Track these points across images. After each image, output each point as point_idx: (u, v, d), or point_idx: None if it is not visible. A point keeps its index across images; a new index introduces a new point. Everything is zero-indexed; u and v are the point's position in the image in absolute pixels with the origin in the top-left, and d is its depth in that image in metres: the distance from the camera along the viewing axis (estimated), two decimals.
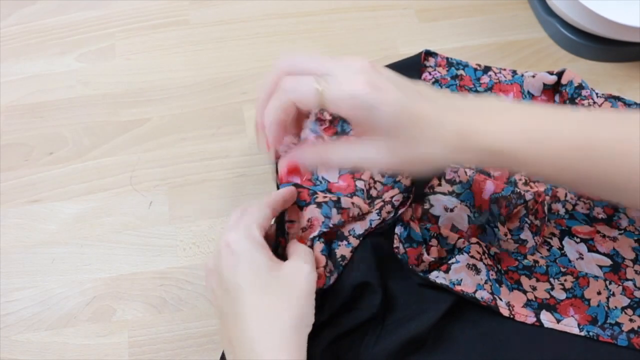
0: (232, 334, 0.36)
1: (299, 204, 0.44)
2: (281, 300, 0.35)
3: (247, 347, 0.34)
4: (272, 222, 0.42)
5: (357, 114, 0.34)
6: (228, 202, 0.55)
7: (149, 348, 0.48)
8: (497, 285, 0.44)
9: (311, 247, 0.42)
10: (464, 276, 0.42)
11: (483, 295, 0.42)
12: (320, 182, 0.48)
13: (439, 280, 0.42)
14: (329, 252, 0.43)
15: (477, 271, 0.43)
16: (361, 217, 0.45)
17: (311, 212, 0.43)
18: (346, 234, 0.44)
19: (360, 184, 0.48)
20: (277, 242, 0.42)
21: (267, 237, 0.41)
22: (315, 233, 0.42)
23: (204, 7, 0.69)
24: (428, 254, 0.46)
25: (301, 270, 0.37)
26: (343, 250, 0.43)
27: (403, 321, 0.42)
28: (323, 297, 0.42)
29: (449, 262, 0.43)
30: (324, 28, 0.67)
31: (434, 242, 0.47)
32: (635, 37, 0.59)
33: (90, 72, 0.64)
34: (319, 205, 0.44)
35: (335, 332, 0.41)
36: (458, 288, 0.42)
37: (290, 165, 0.38)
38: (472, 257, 0.43)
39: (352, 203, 0.45)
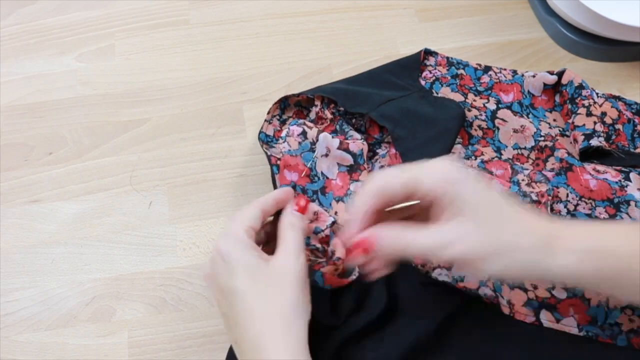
0: (237, 335, 0.38)
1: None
2: (274, 293, 0.37)
3: (251, 345, 0.36)
4: (271, 218, 0.43)
5: (443, 187, 0.34)
6: (228, 202, 0.55)
7: (149, 348, 0.48)
8: (498, 282, 0.44)
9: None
10: (466, 273, 0.42)
11: (486, 292, 0.42)
12: (319, 178, 0.48)
13: (441, 278, 0.42)
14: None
15: None
16: None
17: (315, 206, 0.44)
18: None
19: (353, 187, 0.48)
20: None
21: (270, 234, 0.42)
22: (328, 222, 0.43)
23: (204, 7, 0.69)
24: None
25: (287, 261, 0.38)
26: None
27: (405, 324, 0.42)
28: (337, 301, 0.42)
29: None
30: (324, 28, 0.67)
31: None
32: (635, 37, 0.58)
33: (90, 72, 0.64)
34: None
35: (343, 335, 0.41)
36: (461, 285, 0.42)
37: (363, 245, 0.36)
38: None
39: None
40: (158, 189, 0.56)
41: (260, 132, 0.52)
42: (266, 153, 0.47)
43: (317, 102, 0.53)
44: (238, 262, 0.38)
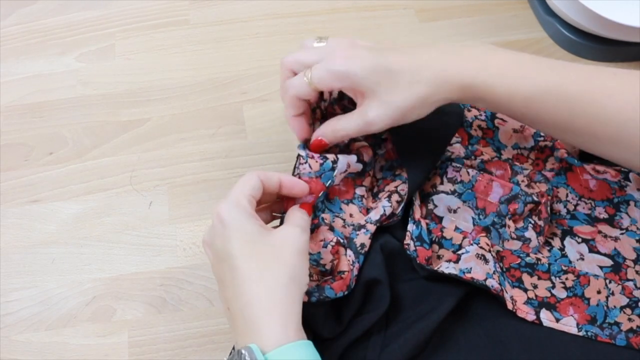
0: (230, 301, 0.37)
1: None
2: (272, 262, 0.37)
3: (243, 311, 0.36)
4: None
5: (342, 84, 0.41)
6: None
7: (149, 348, 0.48)
8: (502, 277, 0.44)
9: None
10: (473, 265, 0.42)
11: (492, 284, 0.42)
12: None
13: (448, 271, 0.42)
14: (349, 243, 0.44)
15: (486, 261, 0.43)
16: (376, 207, 0.45)
17: (323, 234, 0.44)
18: (363, 222, 0.44)
19: (359, 191, 0.48)
20: None
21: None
22: (336, 234, 0.43)
23: (204, 7, 0.69)
24: (439, 258, 0.46)
25: (291, 232, 0.38)
26: (362, 238, 0.43)
27: (407, 324, 0.42)
28: (339, 307, 0.42)
29: (459, 252, 0.44)
30: (324, 28, 0.67)
31: (435, 247, 0.47)
32: (635, 37, 0.59)
33: (90, 72, 0.64)
34: (331, 227, 0.45)
35: (347, 340, 0.41)
36: (468, 276, 0.41)
37: (315, 144, 0.44)
38: (481, 247, 0.44)
39: (350, 215, 0.46)
40: (158, 189, 0.56)
41: None
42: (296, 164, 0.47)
43: (327, 97, 0.52)
44: (236, 227, 0.37)
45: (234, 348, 0.41)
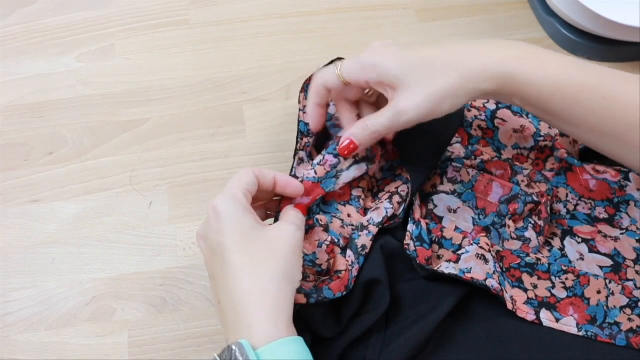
0: (221, 295, 0.37)
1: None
2: (266, 257, 0.36)
3: (235, 306, 0.35)
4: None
5: (370, 76, 0.40)
6: None
7: (149, 348, 0.48)
8: (502, 277, 0.44)
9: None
10: (473, 265, 0.42)
11: (492, 284, 0.42)
12: None
13: (448, 271, 0.42)
14: (350, 244, 0.44)
15: (486, 261, 0.43)
16: (377, 208, 0.45)
17: (318, 234, 0.44)
18: (365, 223, 0.44)
19: (356, 192, 0.48)
20: None
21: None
22: (331, 233, 0.43)
23: (204, 7, 0.69)
24: (439, 258, 0.46)
25: (286, 229, 0.38)
26: (364, 239, 0.43)
27: (407, 324, 0.42)
28: (339, 307, 0.42)
29: (459, 252, 0.44)
30: (324, 28, 0.67)
31: (435, 247, 0.47)
32: (635, 37, 0.59)
33: (90, 72, 0.64)
34: (326, 228, 0.45)
35: (347, 341, 0.41)
36: (468, 276, 0.42)
37: (344, 146, 0.43)
38: (481, 247, 0.44)
39: (349, 215, 0.46)
40: (158, 189, 0.56)
41: (300, 121, 0.50)
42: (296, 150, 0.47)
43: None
44: (232, 220, 0.37)
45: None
